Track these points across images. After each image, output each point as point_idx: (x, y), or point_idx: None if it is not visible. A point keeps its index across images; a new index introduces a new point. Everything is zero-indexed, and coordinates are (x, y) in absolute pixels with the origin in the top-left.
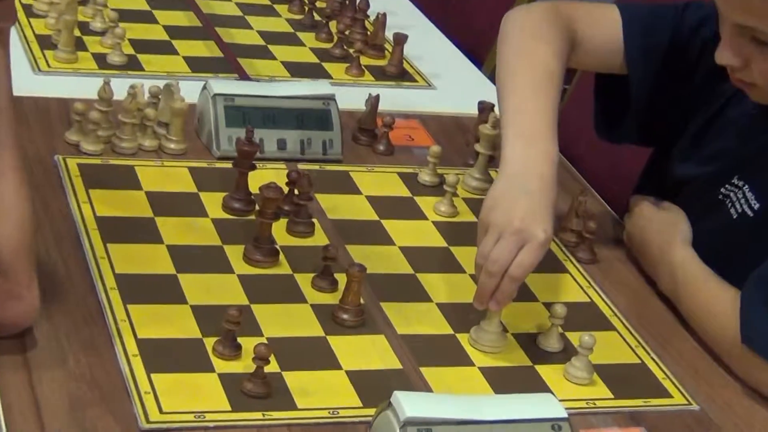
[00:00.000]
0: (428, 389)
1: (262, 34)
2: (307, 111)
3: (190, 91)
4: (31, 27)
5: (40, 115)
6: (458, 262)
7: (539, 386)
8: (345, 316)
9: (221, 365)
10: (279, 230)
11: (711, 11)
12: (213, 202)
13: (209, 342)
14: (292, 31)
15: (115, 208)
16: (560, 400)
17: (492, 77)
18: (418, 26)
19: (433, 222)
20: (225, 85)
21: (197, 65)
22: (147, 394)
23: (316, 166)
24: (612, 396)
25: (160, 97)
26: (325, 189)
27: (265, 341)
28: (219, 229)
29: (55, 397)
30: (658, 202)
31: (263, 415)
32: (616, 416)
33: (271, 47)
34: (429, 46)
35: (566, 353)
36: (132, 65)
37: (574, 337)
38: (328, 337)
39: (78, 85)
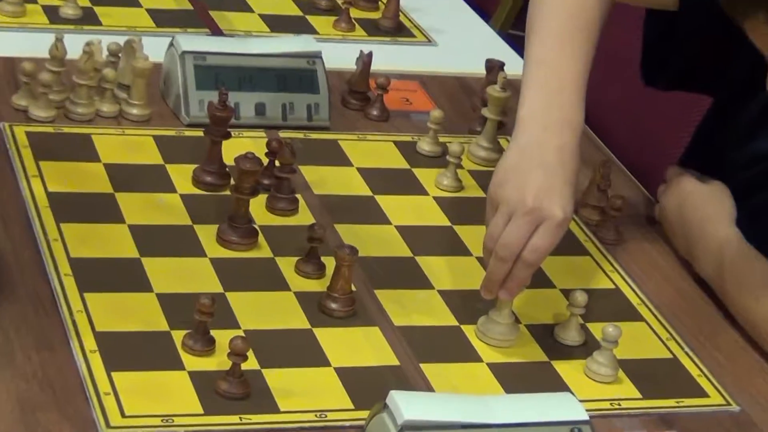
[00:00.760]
0: (429, 389)
1: None
2: (290, 71)
3: (154, 48)
4: None
5: None
6: (464, 244)
7: (556, 385)
8: (334, 306)
9: (192, 362)
10: (258, 207)
11: None
12: (182, 175)
13: (178, 335)
14: None
15: (70, 183)
16: (580, 401)
17: (501, 32)
18: None
19: (435, 198)
20: (195, 42)
21: (163, 19)
22: (107, 395)
23: (299, 134)
24: (639, 396)
25: (120, 55)
26: (310, 160)
27: (243, 334)
28: (189, 207)
29: (2, 399)
30: (701, 176)
31: (240, 418)
32: (645, 419)
33: None
34: None
35: (587, 347)
36: (88, 19)
37: (596, 328)
38: (314, 330)
39: (26, 43)
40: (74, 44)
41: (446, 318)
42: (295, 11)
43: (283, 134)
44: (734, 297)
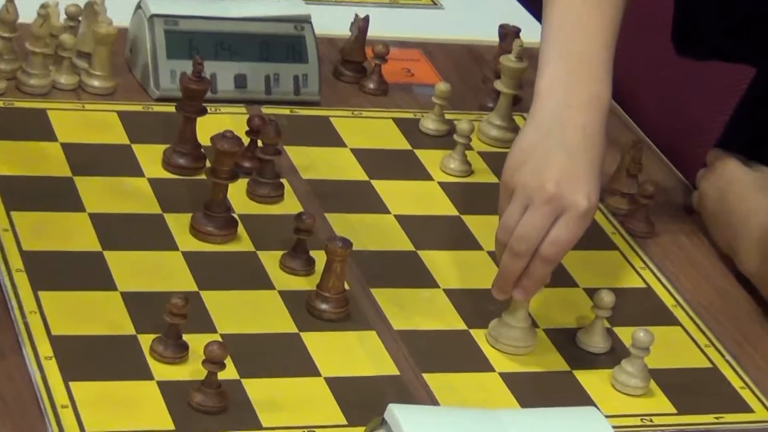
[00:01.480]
0: (433, 402)
1: None
2: (274, 37)
3: (119, 11)
4: None
5: None
6: (473, 236)
7: (579, 398)
8: (324, 307)
9: (162, 371)
10: (237, 194)
11: None
12: (150, 157)
13: (146, 340)
14: None
15: (22, 166)
16: (606, 416)
17: None
18: None
19: (440, 183)
20: (165, 4)
21: None
22: (64, 408)
23: (285, 110)
24: (674, 410)
25: (79, 19)
26: (297, 140)
27: (220, 339)
28: (158, 193)
29: None
30: (747, 160)
31: None
32: None
33: None
34: None
35: (615, 355)
36: None
37: (625, 333)
38: (302, 334)
39: None
40: (27, 6)
41: (453, 321)
42: None
43: (266, 110)
44: None
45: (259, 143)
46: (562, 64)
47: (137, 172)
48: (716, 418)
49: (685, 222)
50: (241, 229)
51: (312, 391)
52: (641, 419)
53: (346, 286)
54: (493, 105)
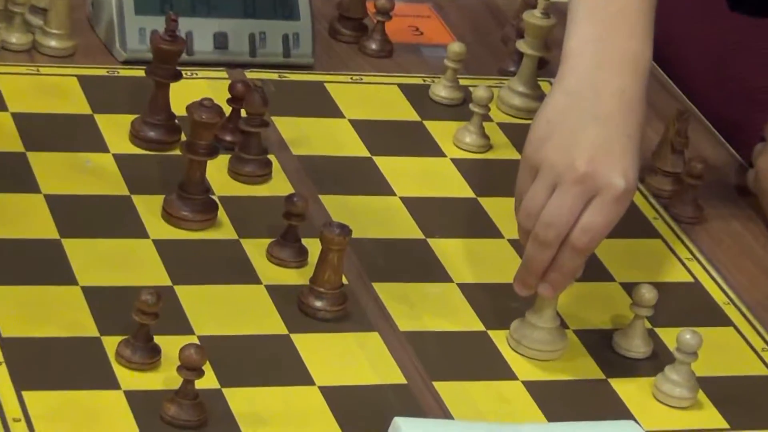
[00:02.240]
0: (445, 414)
1: None
2: None
3: None
4: None
5: None
6: (492, 222)
7: (615, 410)
8: (319, 304)
9: (130, 378)
10: (217, 172)
11: None
12: (116, 129)
13: (111, 343)
14: None
15: None
16: None
17: None
18: None
19: (454, 160)
20: None
21: None
22: (16, 422)
23: (273, 75)
24: (726, 425)
25: None
26: (288, 109)
27: (197, 342)
28: (125, 171)
29: None
30: None
31: None
32: None
33: None
34: None
35: (657, 360)
36: None
37: (669, 335)
38: (292, 336)
39: None
40: None
41: (468, 321)
42: None
43: (250, 74)
44: None
45: (243, 113)
46: (593, 23)
47: (101, 146)
48: None
49: (739, 205)
50: (221, 213)
51: (304, 402)
52: None
53: (344, 281)
54: (515, 69)
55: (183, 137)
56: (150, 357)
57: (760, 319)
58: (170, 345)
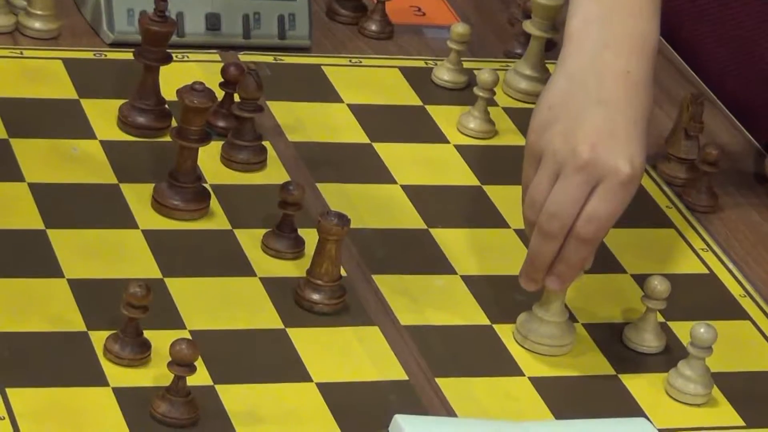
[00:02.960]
0: (448, 412)
1: None
2: None
3: None
4: None
5: None
6: (497, 211)
7: (626, 407)
8: (316, 297)
9: (118, 374)
10: (209, 159)
11: None
12: (103, 114)
13: (99, 338)
14: None
15: None
16: (659, 430)
17: None
18: None
19: (457, 146)
20: None
21: None
22: (0, 420)
23: (268, 58)
24: (743, 423)
25: None
26: (283, 94)
27: (189, 337)
28: (113, 159)
29: None
30: None
31: None
32: None
33: None
34: None
35: (670, 355)
36: None
37: (682, 329)
38: (289, 331)
39: None
40: None
41: (472, 314)
42: None
43: (244, 57)
44: None
45: (236, 98)
46: (594, 6)
47: (87, 133)
48: None
49: (757, 194)
50: (214, 202)
51: (301, 399)
52: None
53: (343, 273)
54: (522, 51)
55: (173, 123)
56: (139, 352)
57: None
58: (161, 340)
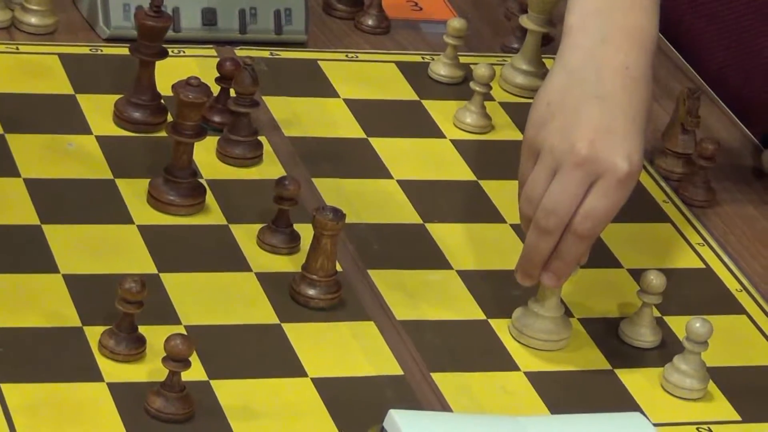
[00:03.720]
0: (444, 407)
1: None
2: None
3: None
4: None
5: None
6: (493, 206)
7: (622, 401)
8: (311, 292)
9: (113, 370)
10: (205, 154)
11: None
12: (99, 109)
13: (94, 333)
14: None
15: None
16: (655, 425)
17: None
18: None
19: (454, 141)
20: None
21: None
22: None
23: (264, 53)
24: (738, 417)
25: None
26: (279, 89)
27: (184, 332)
28: (109, 154)
29: None
30: None
31: None
32: None
33: None
34: None
35: (665, 349)
36: None
37: (678, 323)
38: (284, 326)
39: None
40: None
41: (468, 310)
42: None
43: (240, 52)
44: None
45: (232, 93)
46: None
47: (83, 128)
48: None
49: (754, 188)
50: (210, 197)
51: (296, 395)
52: (697, 428)
53: (338, 268)
54: (519, 45)
55: (169, 118)
56: (134, 348)
57: None
58: (156, 335)
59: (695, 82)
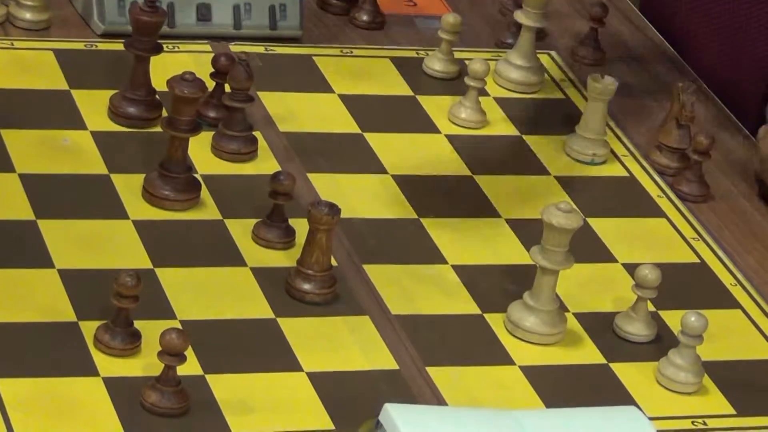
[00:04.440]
0: (439, 401)
1: None
2: None
3: None
4: None
5: None
6: (488, 201)
7: (617, 396)
8: (306, 287)
9: (108, 365)
10: (200, 149)
11: None
12: (94, 105)
13: (89, 328)
14: None
15: None
16: (650, 418)
17: None
18: None
19: (448, 136)
20: None
21: None
22: None
23: (259, 48)
24: (733, 411)
25: None
26: (274, 84)
27: (179, 326)
28: (104, 149)
29: None
30: None
31: None
32: None
33: None
34: None
35: (660, 344)
36: None
37: (673, 318)
38: (279, 320)
39: None
40: None
41: (463, 304)
42: None
43: (235, 48)
44: None
45: (227, 88)
46: None
47: (78, 123)
48: None
49: (748, 183)
50: (205, 192)
51: (292, 389)
52: (692, 422)
53: (333, 262)
54: (513, 41)
55: (164, 113)
56: (130, 342)
57: None
58: (151, 330)
59: (688, 75)
